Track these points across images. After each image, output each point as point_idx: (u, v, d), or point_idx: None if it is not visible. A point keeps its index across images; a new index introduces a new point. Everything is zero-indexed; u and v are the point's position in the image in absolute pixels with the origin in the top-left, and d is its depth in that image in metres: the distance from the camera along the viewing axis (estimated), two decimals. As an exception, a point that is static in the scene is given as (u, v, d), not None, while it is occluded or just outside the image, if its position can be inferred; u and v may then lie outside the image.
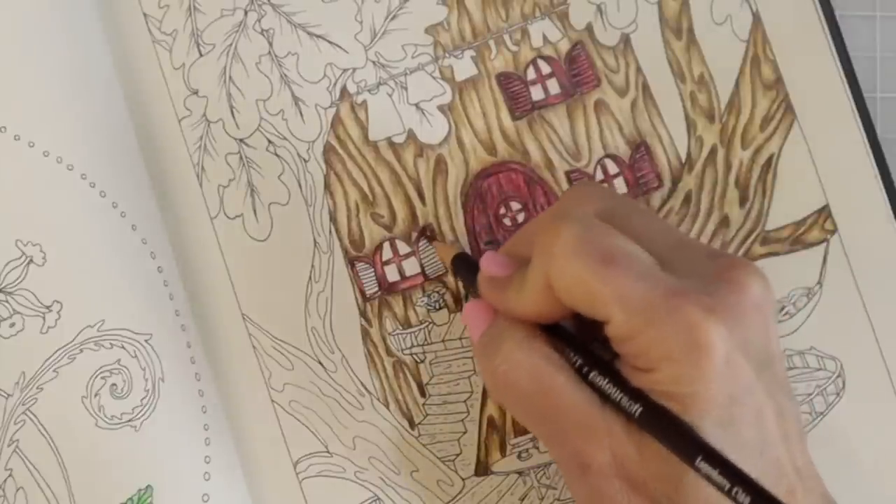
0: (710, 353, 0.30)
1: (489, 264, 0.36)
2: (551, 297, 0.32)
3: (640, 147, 0.41)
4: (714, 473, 0.28)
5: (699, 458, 0.29)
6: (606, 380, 0.32)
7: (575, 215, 0.33)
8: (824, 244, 0.41)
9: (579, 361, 0.33)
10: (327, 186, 0.41)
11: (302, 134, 0.41)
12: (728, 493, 0.28)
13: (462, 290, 0.41)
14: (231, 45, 0.41)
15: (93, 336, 0.38)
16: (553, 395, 0.33)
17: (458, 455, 0.41)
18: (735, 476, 0.28)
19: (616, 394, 0.31)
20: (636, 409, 0.31)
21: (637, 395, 0.31)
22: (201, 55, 0.41)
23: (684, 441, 0.30)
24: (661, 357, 0.30)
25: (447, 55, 0.41)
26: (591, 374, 0.32)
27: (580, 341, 0.34)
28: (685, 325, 0.30)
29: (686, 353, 0.30)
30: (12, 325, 0.38)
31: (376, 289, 0.41)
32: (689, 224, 0.41)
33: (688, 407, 0.30)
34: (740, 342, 0.31)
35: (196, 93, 0.41)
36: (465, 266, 0.39)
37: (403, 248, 0.41)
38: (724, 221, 0.41)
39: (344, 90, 0.41)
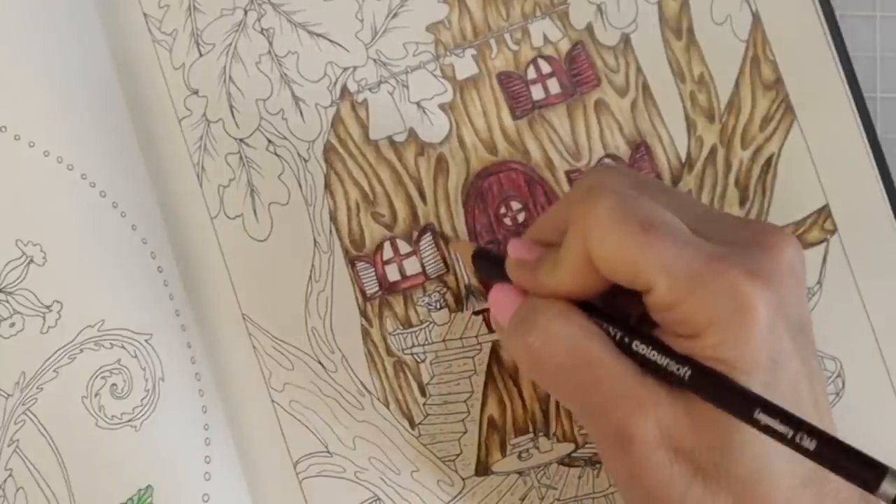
0: (755, 316, 0.30)
1: (517, 249, 0.36)
2: (588, 270, 0.32)
3: (640, 147, 0.41)
4: (776, 423, 0.28)
5: (758, 410, 0.29)
6: (650, 347, 0.32)
7: (609, 187, 0.33)
8: (824, 244, 0.41)
9: (619, 333, 0.33)
10: (327, 186, 0.41)
11: (302, 133, 0.41)
12: (791, 442, 0.28)
13: (463, 290, 0.41)
14: (231, 44, 0.41)
15: (93, 336, 0.38)
16: (593, 367, 0.32)
17: (458, 455, 0.41)
18: (797, 423, 0.28)
19: (662, 360, 0.31)
20: (685, 371, 0.31)
21: (684, 359, 0.31)
22: (201, 55, 0.41)
23: (738, 397, 0.30)
24: (707, 322, 0.30)
25: (448, 54, 0.41)
26: (634, 343, 0.32)
27: (615, 315, 0.34)
28: (730, 289, 0.30)
29: (732, 316, 0.30)
30: (12, 325, 0.38)
31: (377, 288, 0.41)
32: (690, 224, 0.41)
33: (734, 370, 0.30)
34: (780, 306, 0.31)
35: (196, 93, 0.41)
36: (487, 260, 0.39)
37: (404, 247, 0.41)
38: (725, 221, 0.41)
39: (344, 89, 0.41)
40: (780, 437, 0.29)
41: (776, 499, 0.30)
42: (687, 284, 0.30)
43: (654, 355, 0.32)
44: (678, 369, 0.31)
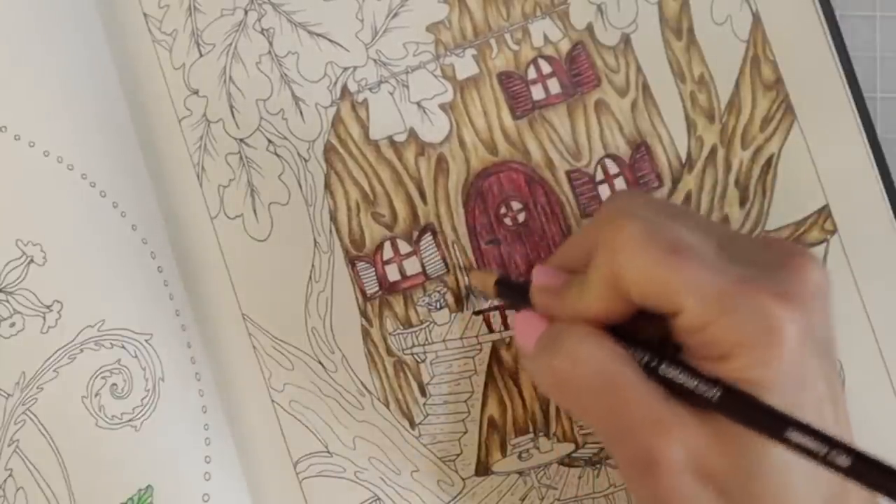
0: (783, 337, 0.30)
1: (542, 276, 0.36)
2: (616, 294, 0.32)
3: (640, 147, 0.41)
4: (808, 441, 0.28)
5: (790, 429, 0.29)
6: (678, 370, 0.32)
7: (635, 211, 0.33)
8: (824, 244, 0.41)
9: (645, 357, 0.33)
10: (328, 186, 0.41)
11: (302, 133, 0.41)
12: (824, 459, 0.28)
13: (463, 290, 0.41)
14: (231, 44, 0.41)
15: (93, 336, 0.38)
16: (619, 390, 0.32)
17: (458, 455, 0.41)
18: (830, 441, 0.28)
19: (691, 382, 0.31)
20: (715, 393, 0.31)
21: (713, 381, 0.31)
22: (201, 55, 0.41)
23: (769, 417, 0.30)
24: (736, 344, 0.30)
25: (448, 53, 0.41)
26: (662, 367, 0.32)
27: (641, 338, 0.34)
28: (759, 311, 0.30)
29: (761, 338, 0.30)
30: (12, 325, 0.38)
31: (377, 288, 0.41)
32: (690, 224, 0.41)
33: (762, 390, 0.30)
34: (808, 328, 0.31)
35: (196, 93, 0.41)
36: (510, 288, 0.39)
37: (404, 247, 0.41)
38: (724, 221, 0.41)
39: (345, 89, 0.41)
40: (812, 456, 0.28)
41: None
42: (717, 306, 0.30)
43: (682, 378, 0.32)
44: (707, 391, 0.31)
